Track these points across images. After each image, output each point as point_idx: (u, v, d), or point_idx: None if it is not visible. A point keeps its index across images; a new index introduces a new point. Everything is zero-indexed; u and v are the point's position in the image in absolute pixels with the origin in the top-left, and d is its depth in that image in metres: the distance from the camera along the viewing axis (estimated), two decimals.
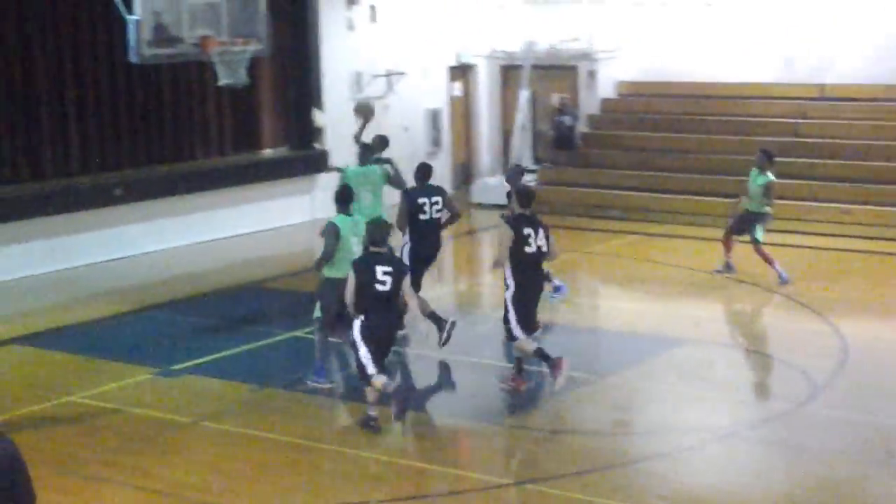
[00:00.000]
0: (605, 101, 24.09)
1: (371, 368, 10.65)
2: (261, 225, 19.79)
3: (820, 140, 21.38)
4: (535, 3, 24.42)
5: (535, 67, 23.82)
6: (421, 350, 13.47)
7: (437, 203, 13.55)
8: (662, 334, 13.99)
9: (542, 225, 11.63)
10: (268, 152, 21.01)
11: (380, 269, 10.52)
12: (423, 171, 13.73)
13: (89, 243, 17.74)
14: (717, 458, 10.42)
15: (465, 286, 18.01)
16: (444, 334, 12.84)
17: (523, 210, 11.67)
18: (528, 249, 11.44)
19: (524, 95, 23.51)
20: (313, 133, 21.50)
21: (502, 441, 10.89)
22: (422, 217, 13.45)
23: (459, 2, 24.12)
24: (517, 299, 11.59)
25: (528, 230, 11.48)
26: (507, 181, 14.94)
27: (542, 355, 11.54)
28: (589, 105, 24.10)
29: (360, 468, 10.28)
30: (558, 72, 24.40)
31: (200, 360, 12.91)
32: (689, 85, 23.30)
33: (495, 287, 17.46)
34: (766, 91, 22.57)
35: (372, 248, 10.70)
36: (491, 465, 10.35)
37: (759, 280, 16.29)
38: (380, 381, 10.67)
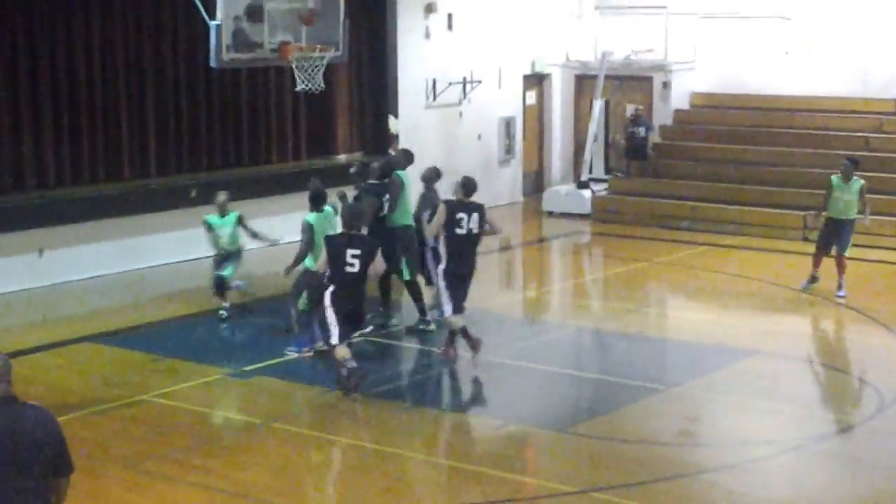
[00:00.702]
0: (679, 112, 24.02)
1: (335, 338, 11.68)
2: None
3: (893, 154, 21.16)
4: (611, 14, 24.43)
5: (610, 77, 23.83)
6: (488, 356, 13.53)
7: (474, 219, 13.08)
8: (730, 346, 13.95)
9: (477, 210, 12.79)
10: (342, 157, 21.19)
11: (349, 252, 11.47)
12: (468, 186, 13.23)
13: (164, 244, 18.02)
14: (783, 471, 10.38)
15: (535, 294, 18.04)
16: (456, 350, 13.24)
17: (463, 198, 12.80)
18: (458, 231, 12.66)
19: (598, 105, 23.53)
20: (388, 139, 21.64)
21: (567, 448, 10.92)
22: (458, 231, 12.99)
23: (535, 11, 24.17)
24: (447, 273, 12.81)
25: (461, 214, 12.68)
26: (424, 180, 14.95)
27: (464, 333, 12.91)
28: (662, 116, 24.06)
29: (425, 473, 10.40)
30: (632, 82, 24.40)
31: (271, 362, 13.07)
32: (763, 97, 23.19)
33: (565, 295, 17.57)
34: (840, 104, 22.40)
35: (345, 230, 11.75)
36: (555, 472, 10.37)
37: (829, 294, 16.18)
38: (341, 352, 11.69)
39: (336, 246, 11.62)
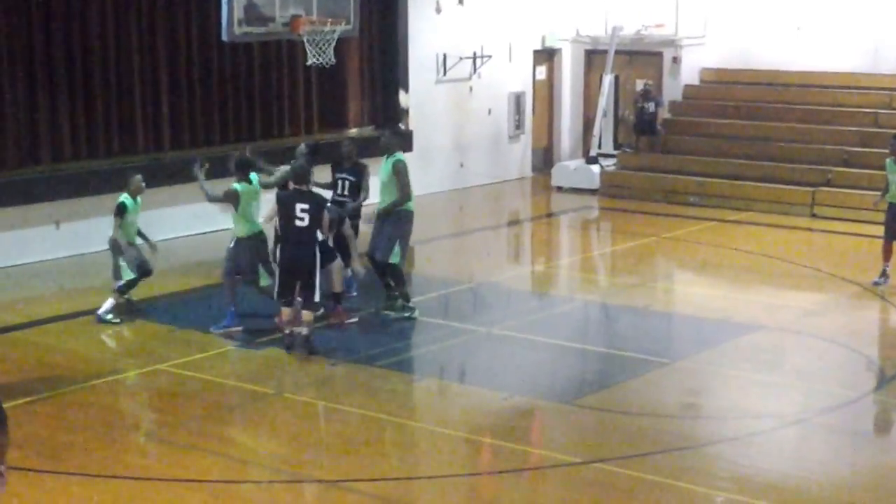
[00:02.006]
0: (688, 88, 24.10)
1: (276, 295, 12.49)
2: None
3: None
4: None
5: (620, 53, 23.89)
6: (497, 329, 13.71)
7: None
8: (735, 320, 14.07)
9: (315, 200, 12.60)
10: (353, 132, 21.31)
11: (298, 206, 12.25)
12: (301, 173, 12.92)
13: (179, 217, 18.16)
14: (784, 444, 10.55)
15: (542, 268, 18.20)
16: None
17: (298, 186, 12.71)
18: (298, 223, 12.39)
19: (608, 80, 23.62)
20: (399, 114, 21.76)
21: (572, 420, 11.06)
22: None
23: None
24: (280, 261, 12.63)
25: (299, 205, 12.44)
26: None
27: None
28: (672, 91, 24.13)
29: (435, 443, 10.56)
30: (642, 57, 24.46)
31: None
32: (773, 73, 23.24)
33: (573, 269, 17.72)
34: (850, 80, 22.44)
35: (295, 187, 12.46)
36: (561, 443, 10.53)
37: (836, 271, 16.31)
38: (283, 312, 12.53)
39: (285, 201, 12.41)
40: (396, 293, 13.94)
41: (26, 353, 12.63)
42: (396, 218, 13.71)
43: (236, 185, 13.23)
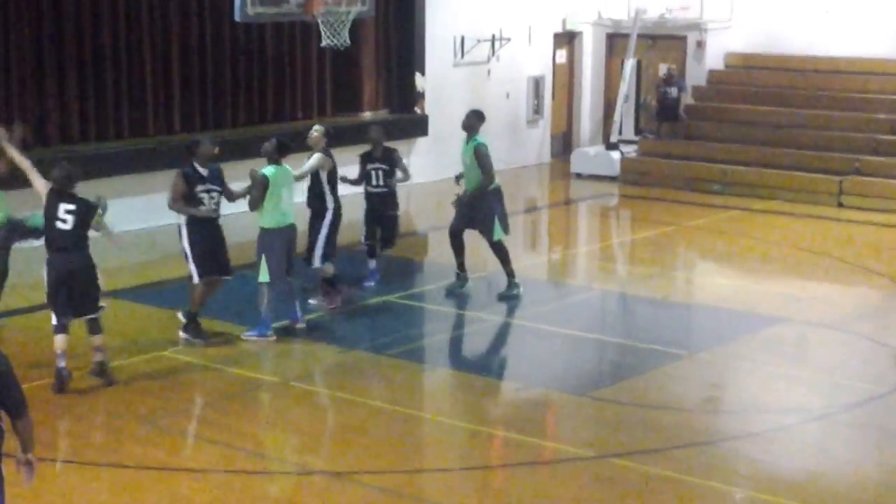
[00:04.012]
0: (713, 73, 23.67)
1: (54, 318, 10.83)
2: (358, 187, 19.83)
3: None
4: None
5: (643, 36, 23.50)
6: (511, 318, 13.41)
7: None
8: (758, 312, 13.73)
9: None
10: (368, 115, 21.02)
11: (62, 207, 10.71)
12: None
13: None
14: (807, 440, 10.23)
15: (559, 256, 17.87)
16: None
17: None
18: (202, 207, 12.00)
19: (629, 65, 23.22)
20: (414, 97, 21.47)
21: (588, 413, 10.78)
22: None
23: None
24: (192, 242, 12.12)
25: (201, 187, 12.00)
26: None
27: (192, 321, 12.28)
28: (696, 76, 23.71)
29: (444, 435, 10.32)
30: (666, 41, 24.05)
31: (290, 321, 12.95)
32: (801, 58, 22.80)
33: (591, 258, 17.39)
34: (879, 67, 22.01)
35: (55, 187, 10.76)
36: (576, 436, 10.26)
37: (863, 262, 15.92)
38: (57, 341, 10.74)
39: (50, 201, 10.79)
40: (506, 271, 14.01)
41: (27, 338, 12.40)
42: (488, 198, 13.80)
43: (266, 171, 12.37)
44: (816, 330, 13.31)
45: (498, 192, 13.97)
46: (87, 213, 10.85)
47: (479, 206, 13.85)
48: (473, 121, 13.98)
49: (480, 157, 13.65)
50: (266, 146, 12.56)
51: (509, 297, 13.94)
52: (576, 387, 11.34)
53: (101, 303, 11.07)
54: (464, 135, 14.00)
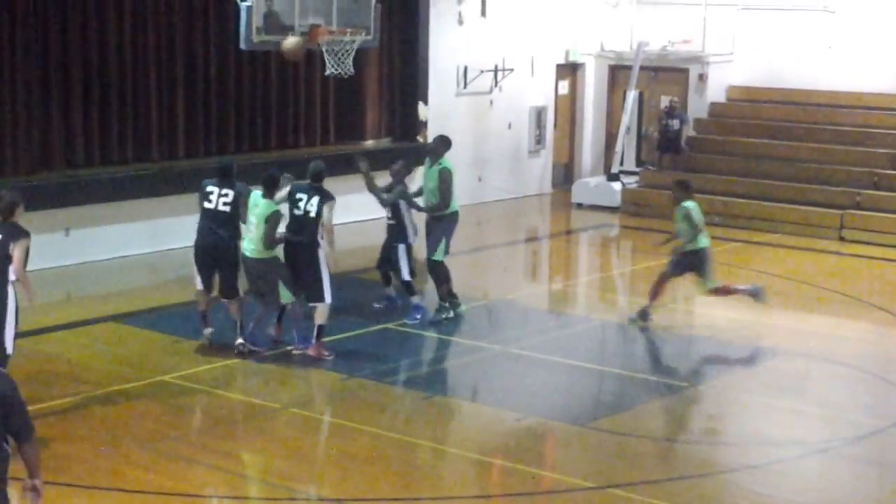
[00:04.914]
0: (715, 106, 23.74)
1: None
2: (360, 215, 19.83)
3: None
4: (648, 3, 24.14)
5: (645, 68, 23.58)
6: (511, 348, 13.39)
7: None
8: (758, 344, 13.76)
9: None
10: (370, 143, 21.07)
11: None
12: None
13: (190, 226, 17.82)
14: (807, 474, 10.21)
15: (560, 286, 17.87)
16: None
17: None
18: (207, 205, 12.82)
19: (631, 96, 23.29)
20: (417, 126, 21.52)
21: (587, 443, 10.76)
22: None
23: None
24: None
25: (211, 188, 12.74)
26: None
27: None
28: (698, 109, 23.77)
29: (444, 463, 10.30)
30: (668, 74, 24.13)
31: (291, 347, 12.95)
32: (803, 92, 22.84)
33: (591, 288, 17.38)
34: (882, 101, 22.06)
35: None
36: (575, 467, 10.23)
37: (864, 296, 15.92)
38: None
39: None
40: (440, 294, 14.18)
41: (29, 361, 12.37)
42: (444, 221, 14.09)
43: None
44: (817, 363, 13.30)
45: (454, 217, 14.22)
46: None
47: (433, 229, 14.11)
48: (439, 145, 14.30)
49: (441, 182, 13.93)
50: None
51: (436, 322, 14.03)
52: (575, 417, 11.34)
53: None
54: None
